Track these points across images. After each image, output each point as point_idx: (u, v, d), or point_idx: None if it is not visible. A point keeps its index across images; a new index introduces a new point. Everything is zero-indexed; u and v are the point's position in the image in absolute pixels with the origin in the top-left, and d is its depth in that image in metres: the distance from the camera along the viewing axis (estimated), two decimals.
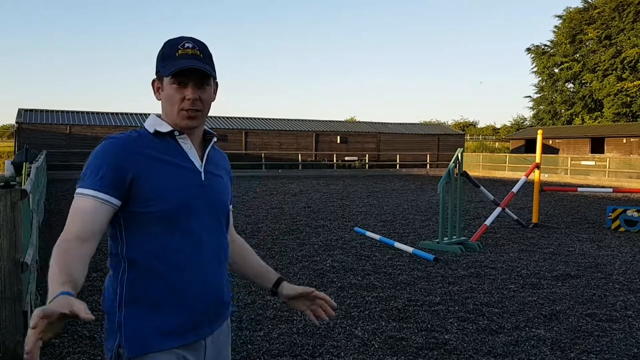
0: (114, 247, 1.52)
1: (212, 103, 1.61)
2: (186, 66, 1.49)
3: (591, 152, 33.03)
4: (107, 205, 1.44)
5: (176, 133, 1.55)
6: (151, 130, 1.54)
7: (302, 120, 34.06)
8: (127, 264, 1.49)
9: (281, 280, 1.77)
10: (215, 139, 1.66)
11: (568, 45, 44.82)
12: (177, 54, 1.51)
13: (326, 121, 34.74)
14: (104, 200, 1.44)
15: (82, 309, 1.15)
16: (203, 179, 1.57)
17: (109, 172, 1.44)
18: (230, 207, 1.72)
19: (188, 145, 1.57)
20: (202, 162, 1.59)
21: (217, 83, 1.63)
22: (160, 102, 1.58)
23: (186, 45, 1.52)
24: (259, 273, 1.79)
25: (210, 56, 1.57)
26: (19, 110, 26.67)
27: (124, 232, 1.49)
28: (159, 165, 1.50)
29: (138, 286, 1.48)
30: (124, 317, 1.47)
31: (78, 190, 1.46)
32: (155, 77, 1.59)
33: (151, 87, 1.61)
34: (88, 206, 1.42)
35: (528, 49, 49.24)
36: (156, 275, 1.48)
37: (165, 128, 1.54)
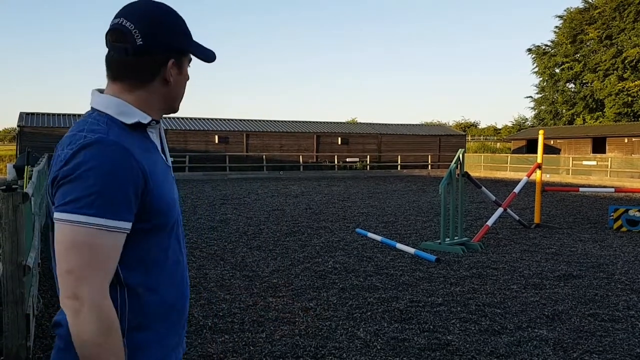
0: None
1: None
2: (212, 52, 1.37)
3: (593, 152, 32.99)
4: (126, 235, 1.18)
5: (153, 123, 1.28)
6: (128, 122, 1.23)
7: (303, 121, 34.09)
8: (127, 292, 1.22)
9: None
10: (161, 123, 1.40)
11: (569, 46, 44.80)
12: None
13: (327, 122, 34.77)
14: (127, 230, 1.16)
15: None
16: (172, 174, 1.37)
17: (132, 191, 1.15)
18: None
19: (155, 136, 1.32)
20: (163, 153, 1.35)
21: None
22: (160, 86, 1.29)
23: None
24: None
25: None
26: (21, 114, 26.74)
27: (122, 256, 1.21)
28: (153, 168, 1.23)
29: (145, 314, 1.23)
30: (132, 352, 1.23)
31: (93, 219, 1.11)
32: (169, 54, 1.27)
33: (168, 69, 1.28)
34: (117, 242, 1.14)
35: (529, 50, 49.24)
36: (159, 296, 1.27)
37: (146, 118, 1.25)
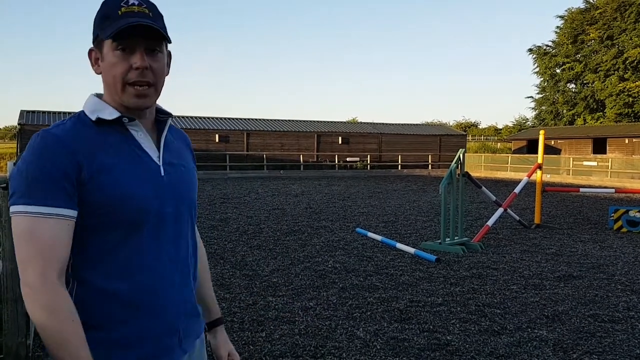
0: None
1: (168, 79, 1.32)
2: (132, 22, 1.20)
3: (593, 153, 32.98)
4: (73, 222, 1.18)
5: (125, 120, 1.25)
6: (93, 118, 1.24)
7: (304, 121, 34.08)
8: (77, 284, 1.23)
9: (218, 322, 1.62)
10: (170, 120, 1.38)
11: (570, 46, 44.77)
12: (119, 12, 1.22)
13: (328, 122, 34.76)
14: (69, 218, 1.17)
15: None
16: (162, 173, 1.30)
17: (63, 178, 1.15)
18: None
19: (141, 133, 1.29)
20: (159, 151, 1.32)
21: (170, 53, 1.34)
22: (100, 77, 1.29)
23: (131, 2, 1.24)
24: (205, 304, 1.59)
25: (161, 16, 1.28)
26: (21, 112, 26.74)
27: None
28: (110, 163, 1.21)
29: (95, 310, 1.21)
30: None
31: (29, 208, 1.13)
32: (92, 45, 1.29)
33: (88, 60, 1.30)
34: (57, 229, 1.14)
35: (530, 50, 49.18)
36: (113, 297, 1.23)
37: (110, 114, 1.24)
